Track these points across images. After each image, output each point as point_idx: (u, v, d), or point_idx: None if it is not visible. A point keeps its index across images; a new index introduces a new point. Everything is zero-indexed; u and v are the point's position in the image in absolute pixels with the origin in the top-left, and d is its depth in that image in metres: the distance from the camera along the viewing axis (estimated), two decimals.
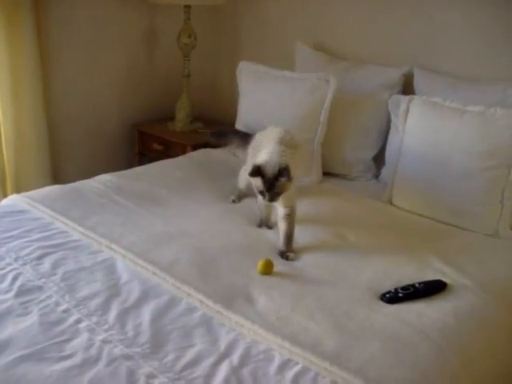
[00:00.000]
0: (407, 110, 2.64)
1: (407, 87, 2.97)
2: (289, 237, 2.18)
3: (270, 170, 2.04)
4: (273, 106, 2.94)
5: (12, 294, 1.83)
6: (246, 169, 2.31)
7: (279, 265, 2.05)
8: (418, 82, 2.93)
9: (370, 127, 2.96)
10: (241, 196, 2.59)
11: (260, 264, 1.99)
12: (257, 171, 2.05)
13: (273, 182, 2.04)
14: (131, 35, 3.68)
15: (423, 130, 2.58)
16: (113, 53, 3.61)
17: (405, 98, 2.69)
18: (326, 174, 2.96)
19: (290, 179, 2.05)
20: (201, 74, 3.86)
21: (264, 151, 2.14)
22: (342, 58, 3.24)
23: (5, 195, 3.11)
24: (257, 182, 2.08)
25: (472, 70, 2.85)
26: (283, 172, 2.03)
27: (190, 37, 3.54)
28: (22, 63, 3.11)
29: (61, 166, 3.49)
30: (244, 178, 2.49)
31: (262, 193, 2.09)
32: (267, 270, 1.99)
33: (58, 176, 3.37)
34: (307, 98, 2.88)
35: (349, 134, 2.96)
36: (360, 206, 2.61)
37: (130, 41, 3.69)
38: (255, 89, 3.09)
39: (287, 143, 2.17)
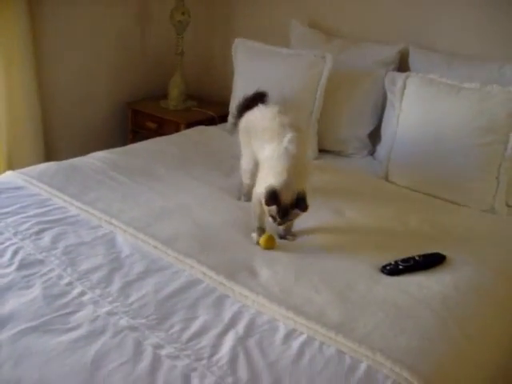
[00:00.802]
0: (403, 87, 2.65)
1: (403, 65, 2.97)
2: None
3: (288, 198, 1.90)
4: (269, 83, 2.91)
5: (13, 267, 1.82)
6: (244, 161, 2.28)
7: (280, 241, 2.07)
8: (414, 59, 2.93)
9: (365, 104, 2.97)
10: (250, 191, 2.22)
11: (263, 238, 2.00)
12: (273, 198, 1.90)
13: (288, 210, 1.92)
14: (124, 13, 3.65)
15: (419, 106, 2.59)
16: (106, 31, 3.57)
17: (401, 75, 2.70)
18: (322, 150, 2.97)
19: (306, 209, 1.92)
20: (194, 51, 3.84)
21: (276, 166, 1.99)
22: (338, 35, 3.23)
23: None
24: (271, 209, 1.93)
25: (467, 48, 2.86)
26: (300, 202, 1.90)
27: (183, 14, 3.51)
28: (14, 42, 3.08)
29: (54, 144, 3.47)
30: (247, 171, 2.33)
31: (273, 217, 1.95)
32: (270, 244, 2.00)
33: (51, 154, 3.36)
34: (303, 75, 2.87)
35: (344, 111, 2.96)
36: (356, 182, 2.62)
37: (122, 19, 3.65)
38: (251, 66, 3.08)
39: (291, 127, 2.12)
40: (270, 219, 1.96)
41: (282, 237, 2.11)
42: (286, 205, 1.90)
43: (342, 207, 2.34)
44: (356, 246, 2.05)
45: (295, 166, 1.97)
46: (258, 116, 2.29)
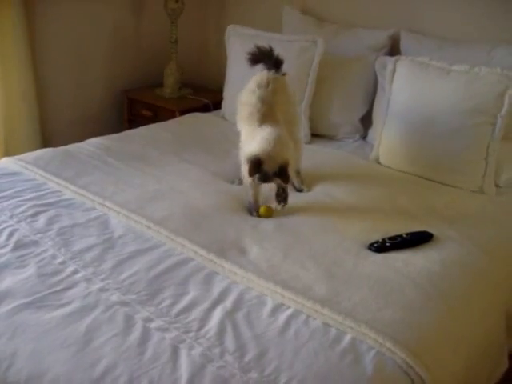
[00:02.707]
0: (394, 71, 2.67)
1: (394, 49, 3.00)
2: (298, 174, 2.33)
3: (270, 167, 1.98)
4: (261, 68, 2.96)
5: (9, 248, 1.87)
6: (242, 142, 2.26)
7: (269, 222, 2.10)
8: (405, 44, 2.96)
9: (357, 89, 3.00)
10: None
11: (262, 207, 2.15)
12: (256, 166, 1.98)
13: (269, 179, 2.02)
14: (119, 2, 3.67)
15: (409, 89, 2.61)
16: (100, 19, 3.60)
17: (391, 59, 2.72)
18: (314, 135, 2.99)
19: (287, 179, 2.01)
20: (188, 39, 3.87)
21: (261, 136, 2.06)
22: (330, 21, 3.26)
23: None
24: (252, 173, 2.01)
25: (457, 32, 2.89)
26: (282, 172, 1.98)
27: (177, 2, 3.53)
28: (9, 27, 3.09)
29: (50, 132, 3.49)
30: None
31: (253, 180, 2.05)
32: (269, 212, 2.13)
33: (47, 143, 3.38)
34: (295, 60, 2.90)
35: (336, 96, 2.99)
36: (347, 165, 2.66)
37: (117, 8, 3.67)
38: (243, 52, 3.09)
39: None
40: (250, 181, 2.06)
41: (298, 190, 2.34)
42: (268, 173, 1.97)
43: (333, 189, 2.37)
44: (344, 225, 2.08)
45: (280, 136, 2.03)
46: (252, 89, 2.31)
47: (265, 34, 3.07)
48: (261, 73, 2.33)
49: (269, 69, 2.38)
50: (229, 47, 3.21)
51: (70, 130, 3.56)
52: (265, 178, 1.99)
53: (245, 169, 2.09)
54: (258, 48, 2.43)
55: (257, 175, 1.98)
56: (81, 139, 2.83)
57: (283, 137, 2.05)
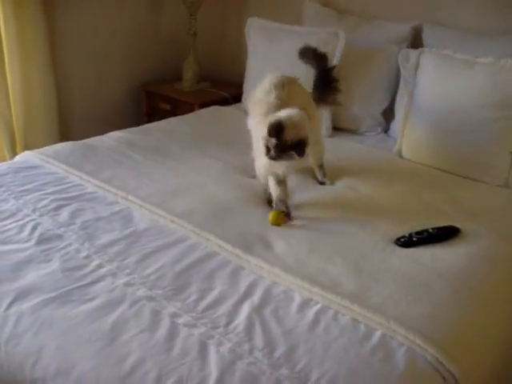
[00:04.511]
0: (417, 63, 2.64)
1: (416, 42, 2.96)
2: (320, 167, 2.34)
3: (290, 136, 1.86)
4: (282, 61, 2.93)
5: (32, 242, 1.86)
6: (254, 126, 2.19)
7: (293, 213, 2.08)
8: (427, 36, 2.92)
9: (379, 82, 2.97)
10: None
11: (272, 214, 2.02)
12: (276, 129, 1.86)
13: (286, 148, 1.87)
14: None
15: (433, 82, 2.58)
16: (119, 13, 3.59)
17: (415, 52, 2.68)
18: (336, 128, 2.97)
19: (303, 154, 1.89)
20: (207, 32, 3.84)
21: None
22: (351, 13, 3.23)
23: (14, 153, 3.13)
24: (270, 140, 1.89)
25: (481, 24, 2.84)
26: (300, 146, 1.87)
27: None
28: (30, 23, 3.09)
29: (69, 126, 3.49)
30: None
31: (267, 149, 1.91)
32: (278, 220, 2.01)
33: (66, 136, 3.37)
34: None
35: (358, 89, 2.95)
36: (370, 158, 2.63)
37: (136, 1, 3.66)
38: (264, 45, 3.09)
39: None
40: (264, 151, 1.92)
41: (320, 182, 2.34)
42: (286, 141, 1.86)
43: (356, 183, 2.35)
44: (369, 219, 2.05)
45: (303, 114, 1.95)
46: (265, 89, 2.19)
47: (285, 26, 3.06)
48: (274, 74, 2.24)
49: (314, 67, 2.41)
50: (249, 40, 3.18)
51: (89, 123, 3.56)
52: (282, 148, 1.86)
53: (259, 164, 2.10)
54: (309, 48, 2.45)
55: (274, 142, 1.87)
56: (100, 133, 2.82)
57: (305, 116, 1.96)
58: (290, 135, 1.86)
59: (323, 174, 2.37)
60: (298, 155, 1.88)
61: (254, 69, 3.15)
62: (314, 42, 2.85)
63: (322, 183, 2.36)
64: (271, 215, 2.02)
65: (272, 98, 2.10)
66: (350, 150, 2.72)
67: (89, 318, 1.53)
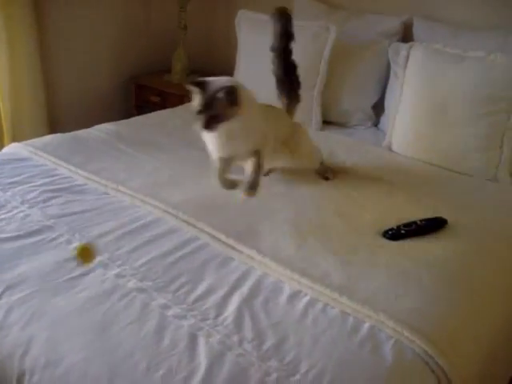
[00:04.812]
0: (407, 57, 2.65)
1: (407, 36, 2.97)
2: (254, 178, 1.94)
3: (213, 86, 1.75)
4: None
5: (22, 234, 1.85)
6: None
7: (285, 208, 2.08)
8: (418, 30, 2.93)
9: (369, 76, 2.98)
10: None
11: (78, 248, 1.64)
12: (198, 83, 1.77)
13: (212, 99, 1.74)
14: None
15: (423, 76, 2.59)
16: (108, 5, 3.57)
17: (405, 45, 2.69)
18: (326, 122, 2.98)
19: (234, 102, 1.73)
20: (197, 25, 3.83)
21: None
22: (341, 7, 3.23)
23: (1, 145, 3.11)
24: (195, 101, 1.79)
25: (472, 19, 2.86)
26: (227, 91, 1.72)
27: None
28: (18, 15, 3.07)
29: (58, 119, 3.48)
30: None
31: (198, 114, 1.78)
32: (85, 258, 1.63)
33: (54, 129, 3.36)
34: (307, 46, 2.87)
35: (348, 83, 2.97)
36: (360, 152, 2.64)
37: None
38: (254, 38, 3.08)
39: None
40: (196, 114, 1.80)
41: (325, 177, 2.33)
42: (210, 91, 1.74)
43: (345, 176, 2.36)
44: (358, 212, 2.07)
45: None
46: None
47: None
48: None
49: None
50: (239, 33, 3.18)
51: (77, 116, 3.54)
52: (208, 100, 1.74)
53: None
54: None
55: (198, 99, 1.76)
56: (88, 126, 2.81)
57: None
58: (212, 88, 1.75)
59: (324, 170, 2.36)
60: (228, 101, 1.73)
61: (243, 61, 3.15)
62: (305, 36, 2.88)
63: (326, 178, 2.35)
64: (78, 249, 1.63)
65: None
66: (339, 143, 2.72)
67: (79, 309, 1.52)
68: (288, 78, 2.31)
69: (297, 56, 2.84)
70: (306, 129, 2.34)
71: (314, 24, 2.92)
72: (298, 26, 2.94)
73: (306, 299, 1.59)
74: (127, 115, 3.45)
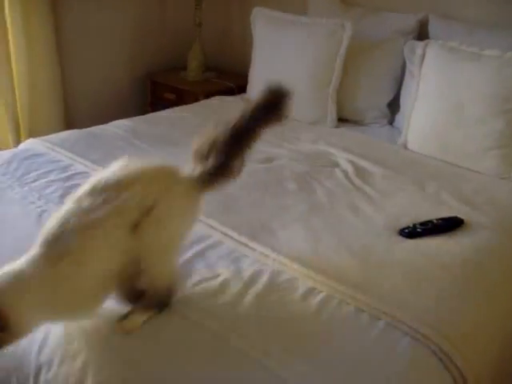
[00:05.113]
0: (423, 55, 2.63)
1: (422, 33, 2.95)
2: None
3: None
4: (288, 52, 2.94)
5: (39, 229, 1.86)
6: None
7: (299, 205, 2.07)
8: (433, 28, 2.91)
9: (384, 73, 2.96)
10: None
11: None
12: None
13: None
14: None
15: (439, 74, 2.57)
16: (125, 3, 3.58)
17: (421, 43, 2.67)
18: (341, 120, 2.97)
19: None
20: (213, 22, 3.84)
21: None
22: (356, 5, 3.22)
23: (18, 141, 3.14)
24: None
25: (487, 16, 2.84)
26: None
27: None
28: (35, 13, 3.10)
29: (73, 115, 3.50)
30: None
31: None
32: None
33: (70, 125, 3.38)
34: (323, 44, 2.87)
35: (363, 81, 2.96)
36: (375, 149, 2.63)
37: None
38: (270, 35, 3.08)
39: None
40: None
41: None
42: None
43: (361, 174, 2.36)
44: (374, 210, 2.06)
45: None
46: None
47: (291, 17, 3.05)
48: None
49: None
50: (254, 30, 3.18)
51: (93, 112, 3.56)
52: None
53: None
54: None
55: None
56: (104, 122, 2.83)
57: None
58: None
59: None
60: None
61: (259, 59, 3.15)
62: (320, 33, 2.88)
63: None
64: None
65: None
66: (354, 140, 2.72)
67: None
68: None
69: (313, 53, 2.84)
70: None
71: (329, 21, 2.91)
72: (314, 24, 2.96)
73: (320, 296, 1.58)
74: (142, 112, 3.47)
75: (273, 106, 1.56)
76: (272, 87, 1.56)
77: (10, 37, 3.06)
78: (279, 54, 2.96)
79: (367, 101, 2.97)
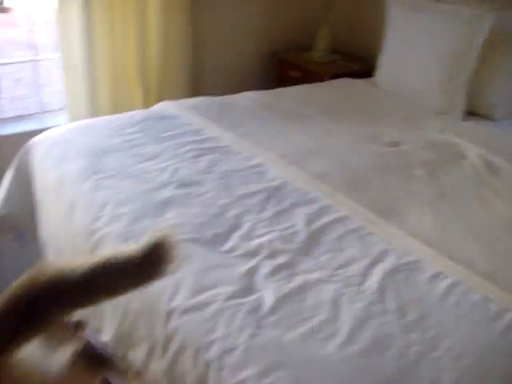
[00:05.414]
0: None
1: None
2: None
3: None
4: (422, 38, 2.89)
5: (173, 185, 1.96)
6: None
7: (428, 190, 2.05)
8: None
9: None
10: None
11: None
12: None
13: None
14: None
15: None
16: None
17: None
18: (470, 113, 2.89)
19: None
20: (343, 4, 3.82)
21: None
22: None
23: (147, 103, 3.26)
24: None
25: None
26: None
27: None
28: None
29: (200, 85, 3.58)
30: None
31: None
32: None
33: (197, 93, 3.46)
34: (460, 33, 2.80)
35: (497, 74, 2.86)
36: (506, 145, 2.54)
37: None
38: (405, 20, 3.04)
39: None
40: None
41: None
42: None
43: (490, 165, 2.30)
44: (502, 202, 2.01)
45: None
46: None
47: (429, 3, 2.98)
48: None
49: None
50: (390, 14, 3.13)
51: (219, 83, 3.64)
52: None
53: None
54: None
55: None
56: (229, 94, 2.89)
57: None
58: None
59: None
60: None
61: (391, 44, 3.11)
62: (457, 21, 2.80)
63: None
64: None
65: None
66: (484, 134, 2.64)
67: (221, 264, 1.59)
68: None
69: (448, 41, 2.75)
70: None
71: (469, 10, 2.83)
72: (454, 11, 2.86)
73: (448, 281, 1.57)
74: (268, 88, 3.53)
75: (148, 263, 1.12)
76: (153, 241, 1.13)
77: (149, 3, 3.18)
78: (413, 41, 2.91)
79: (500, 96, 2.86)
